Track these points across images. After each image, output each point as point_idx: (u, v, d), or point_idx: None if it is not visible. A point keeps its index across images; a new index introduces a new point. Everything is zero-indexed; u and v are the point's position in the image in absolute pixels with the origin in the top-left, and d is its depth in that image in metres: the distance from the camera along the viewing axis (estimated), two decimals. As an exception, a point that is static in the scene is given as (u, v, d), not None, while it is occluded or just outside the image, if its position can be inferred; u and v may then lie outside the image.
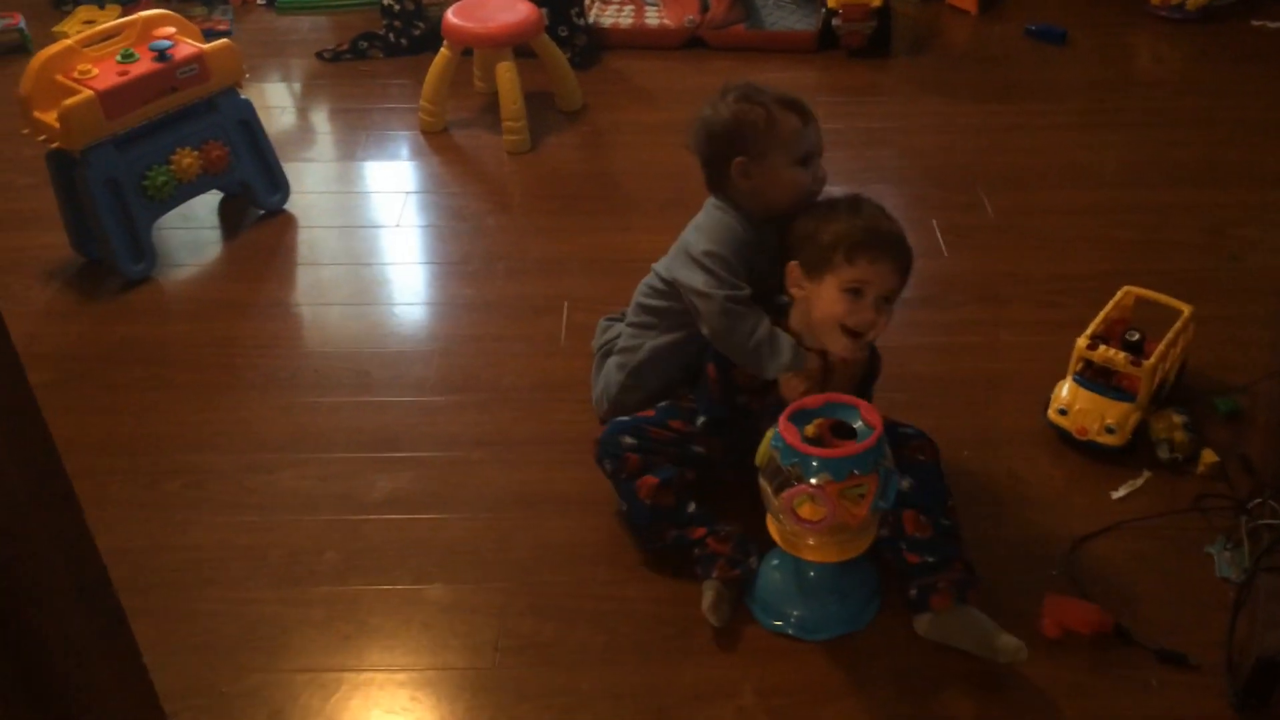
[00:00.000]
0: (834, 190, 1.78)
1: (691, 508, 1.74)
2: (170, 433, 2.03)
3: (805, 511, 1.52)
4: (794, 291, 1.70)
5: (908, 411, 1.93)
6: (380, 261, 2.49)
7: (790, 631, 1.66)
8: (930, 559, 1.65)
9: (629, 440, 1.74)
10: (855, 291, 1.63)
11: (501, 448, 1.98)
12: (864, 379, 1.76)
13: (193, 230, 2.58)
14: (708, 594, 1.67)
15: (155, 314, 2.33)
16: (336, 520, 1.85)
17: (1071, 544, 1.78)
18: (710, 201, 1.80)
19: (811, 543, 1.57)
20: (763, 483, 1.57)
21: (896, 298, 1.67)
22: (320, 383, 2.14)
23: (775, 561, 1.69)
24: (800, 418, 1.57)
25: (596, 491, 1.82)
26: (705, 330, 1.72)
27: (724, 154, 1.72)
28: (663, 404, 1.81)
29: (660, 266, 1.85)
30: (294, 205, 2.65)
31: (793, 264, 1.69)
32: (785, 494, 1.52)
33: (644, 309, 1.88)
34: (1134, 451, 1.92)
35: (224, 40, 2.43)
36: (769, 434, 1.57)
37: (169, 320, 2.32)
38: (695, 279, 1.71)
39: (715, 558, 1.69)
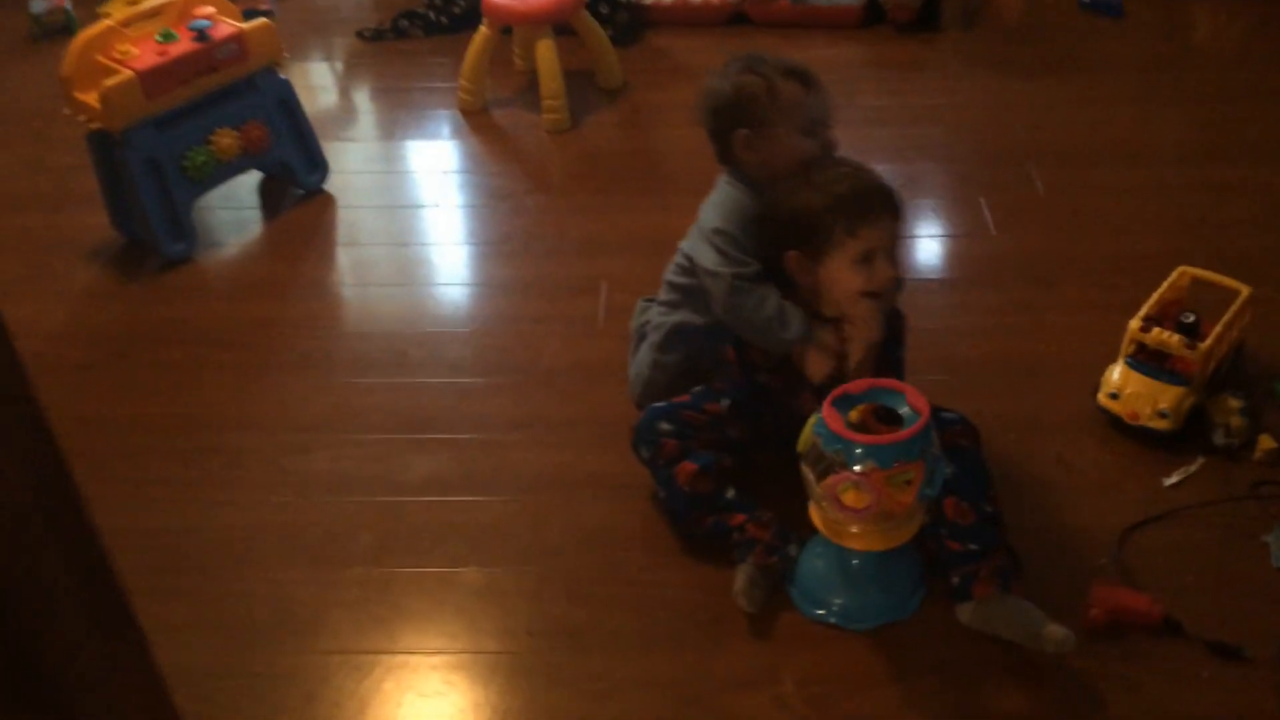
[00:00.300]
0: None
1: (730, 494, 1.71)
2: (209, 412, 2.04)
3: (849, 499, 1.48)
4: (801, 279, 1.67)
5: (952, 395, 1.88)
6: (418, 242, 2.48)
7: (833, 620, 1.62)
8: (973, 546, 1.60)
9: (665, 426, 1.71)
10: (866, 259, 1.61)
11: (538, 430, 1.96)
12: (886, 342, 1.71)
13: (233, 210, 2.58)
14: (740, 577, 1.64)
15: (195, 294, 2.34)
16: (371, 501, 1.84)
17: (1121, 533, 1.72)
18: (722, 177, 1.77)
19: (855, 530, 1.53)
20: (805, 469, 1.53)
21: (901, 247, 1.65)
22: (357, 363, 2.13)
23: (818, 549, 1.65)
24: (844, 402, 1.53)
25: (632, 475, 1.79)
26: (718, 309, 1.70)
27: (727, 127, 1.70)
28: (698, 388, 1.78)
29: (684, 244, 1.82)
30: (333, 185, 2.64)
31: (791, 255, 1.65)
32: (829, 480, 1.48)
33: (672, 287, 1.86)
34: (1188, 437, 1.86)
35: (263, 20, 2.42)
36: (812, 419, 1.53)
37: (209, 300, 2.32)
38: (707, 257, 1.69)
39: (754, 543, 1.66)
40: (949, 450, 1.64)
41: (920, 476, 1.48)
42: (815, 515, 1.58)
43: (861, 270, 1.62)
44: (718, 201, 1.74)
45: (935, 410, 1.69)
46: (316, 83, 3.13)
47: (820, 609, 1.63)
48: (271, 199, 2.62)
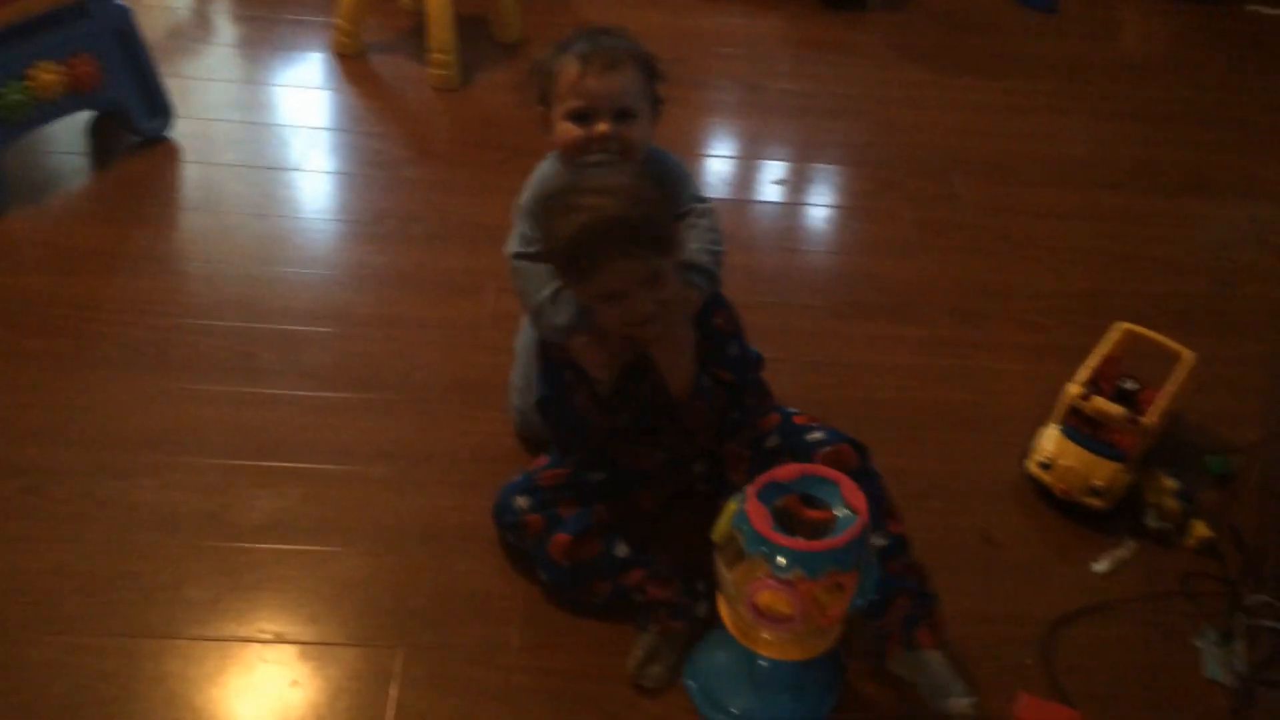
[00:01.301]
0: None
1: (621, 550, 1.51)
2: (9, 417, 1.70)
3: (770, 608, 1.28)
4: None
5: (869, 444, 1.70)
6: (277, 213, 2.15)
7: (733, 726, 1.43)
8: (872, 596, 1.43)
9: (521, 501, 1.52)
10: (611, 297, 1.39)
11: (406, 464, 1.70)
12: (712, 342, 1.51)
13: (55, 157, 2.19)
14: (638, 650, 1.45)
15: (1, 262, 1.96)
16: (202, 545, 1.56)
17: (1049, 626, 1.58)
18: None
19: (768, 637, 1.33)
20: (719, 563, 1.33)
21: (668, 266, 1.40)
22: (196, 364, 1.82)
23: (722, 642, 1.44)
24: (770, 492, 1.32)
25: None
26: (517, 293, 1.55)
27: (537, 103, 1.56)
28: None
29: None
30: (179, 133, 2.28)
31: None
32: (747, 586, 1.27)
33: None
34: (1119, 513, 1.72)
35: (99, -67, 2.03)
36: (730, 507, 1.32)
37: (18, 271, 1.96)
38: (510, 240, 1.54)
39: (654, 606, 1.47)
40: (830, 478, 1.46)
41: (853, 587, 1.29)
42: (724, 611, 1.38)
43: (610, 308, 1.41)
44: (536, 172, 1.59)
45: (798, 430, 1.54)
46: (162, 5, 2.71)
47: (719, 713, 1.43)
48: (104, 145, 2.24)
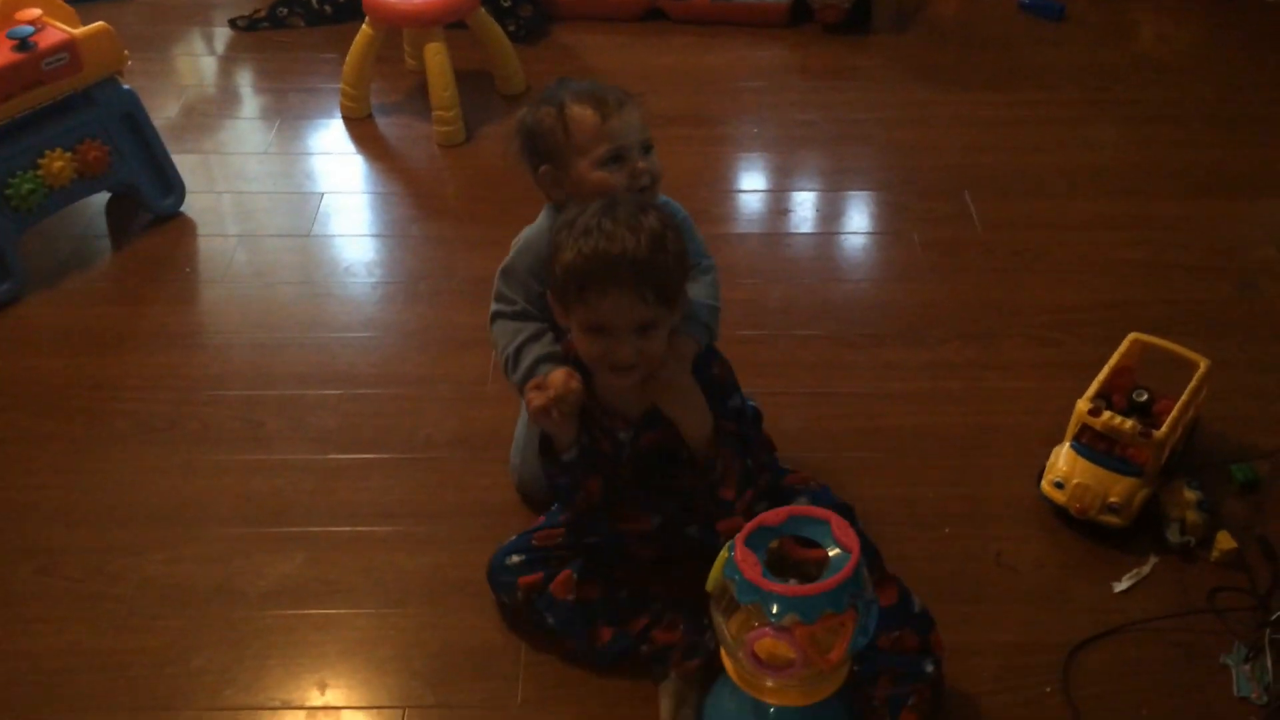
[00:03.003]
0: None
1: (623, 593, 1.50)
2: (25, 500, 1.74)
3: (768, 656, 1.26)
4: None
5: (878, 475, 1.68)
6: (286, 280, 2.19)
7: (745, 773, 1.40)
8: (855, 668, 1.39)
9: (515, 559, 1.52)
10: (597, 329, 1.38)
11: (410, 522, 1.71)
12: (713, 394, 1.47)
13: (71, 239, 2.26)
14: (665, 700, 1.43)
15: (18, 345, 2.02)
16: (211, 616, 1.58)
17: (1068, 652, 1.53)
18: (546, 206, 1.60)
19: (771, 685, 1.31)
20: (715, 615, 1.31)
21: (665, 322, 1.39)
22: (205, 435, 1.85)
23: (729, 690, 1.41)
24: (760, 537, 1.30)
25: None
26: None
27: (533, 163, 1.56)
28: (554, 506, 1.59)
29: None
30: (192, 207, 2.34)
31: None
32: (746, 637, 1.25)
33: None
34: (1140, 530, 1.67)
35: (100, 24, 2.09)
36: (721, 556, 1.30)
37: (34, 354, 2.01)
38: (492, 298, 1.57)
39: (667, 650, 1.45)
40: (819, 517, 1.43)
41: (851, 627, 1.26)
42: (727, 663, 1.35)
43: (593, 339, 1.39)
44: (525, 234, 1.59)
45: (790, 496, 1.53)
46: (175, 84, 2.79)
47: (730, 759, 1.41)
48: (119, 224, 2.31)
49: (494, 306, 1.55)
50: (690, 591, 1.48)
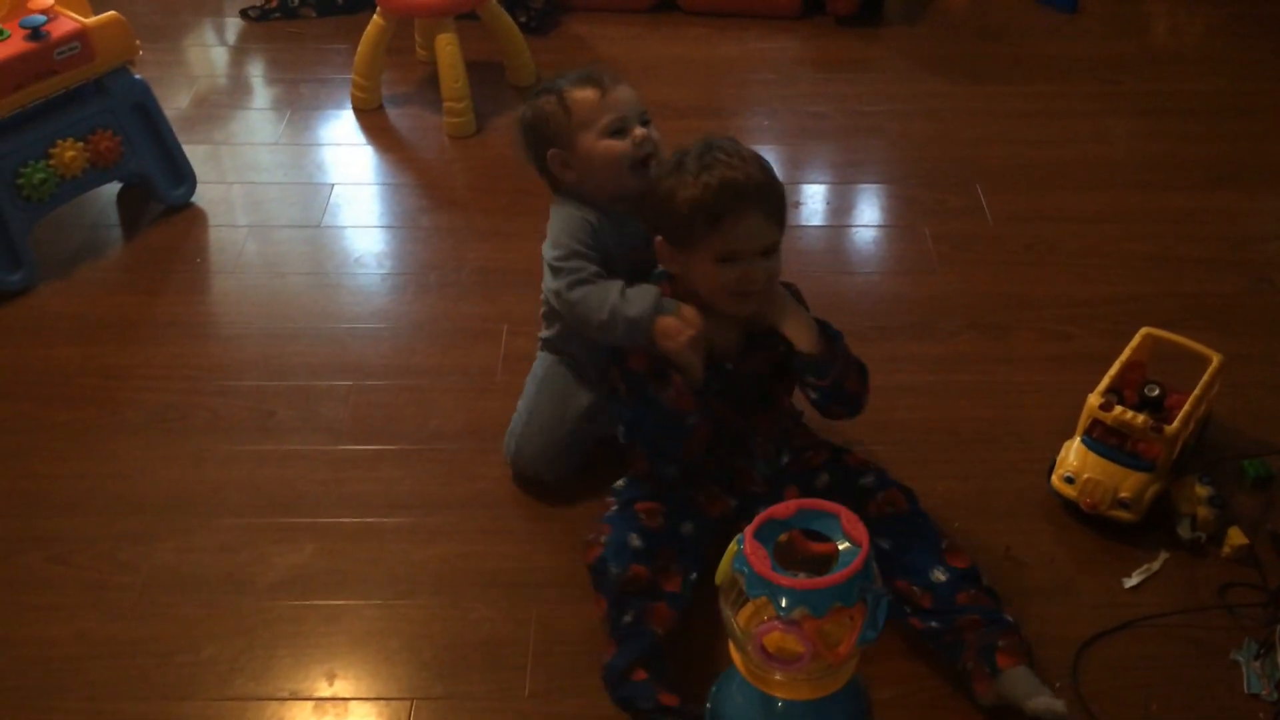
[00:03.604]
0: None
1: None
2: (37, 489, 1.75)
3: (777, 649, 1.25)
4: (670, 268, 1.56)
5: (888, 467, 1.67)
6: (297, 271, 2.19)
7: (755, 769, 1.40)
8: (935, 625, 1.45)
9: (638, 542, 1.50)
10: (730, 258, 1.47)
11: (420, 513, 1.71)
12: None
13: (83, 229, 2.26)
14: None
15: (30, 335, 2.03)
16: (221, 606, 1.58)
17: (1078, 648, 1.52)
18: (553, 202, 1.68)
19: (780, 679, 1.30)
20: (724, 607, 1.30)
21: (779, 247, 1.51)
22: (216, 425, 1.85)
23: (739, 685, 1.41)
24: (769, 530, 1.29)
25: (527, 572, 1.58)
26: (576, 326, 1.60)
27: (540, 153, 1.64)
28: (620, 483, 1.62)
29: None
30: (203, 198, 2.34)
31: (659, 240, 1.53)
32: (755, 630, 1.25)
33: (544, 342, 1.75)
34: (1150, 525, 1.66)
35: (112, 14, 2.09)
36: (730, 549, 1.30)
37: (46, 343, 2.01)
38: (551, 283, 1.60)
39: (666, 713, 1.39)
40: (878, 522, 1.47)
41: (861, 620, 1.26)
42: (736, 657, 1.35)
43: (724, 268, 1.47)
44: (551, 227, 1.64)
45: (849, 471, 1.58)
46: (186, 75, 2.79)
47: (739, 754, 1.40)
48: (131, 214, 2.31)
49: (566, 279, 1.57)
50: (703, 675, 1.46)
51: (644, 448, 1.59)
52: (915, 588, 1.48)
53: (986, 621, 1.44)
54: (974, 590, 1.48)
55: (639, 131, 1.59)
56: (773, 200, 1.47)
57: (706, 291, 1.51)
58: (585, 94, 1.60)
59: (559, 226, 1.62)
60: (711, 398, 1.55)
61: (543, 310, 1.72)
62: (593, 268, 1.58)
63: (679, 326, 1.49)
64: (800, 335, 1.52)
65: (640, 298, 1.52)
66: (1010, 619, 1.46)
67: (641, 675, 1.42)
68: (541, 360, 1.75)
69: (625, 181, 1.60)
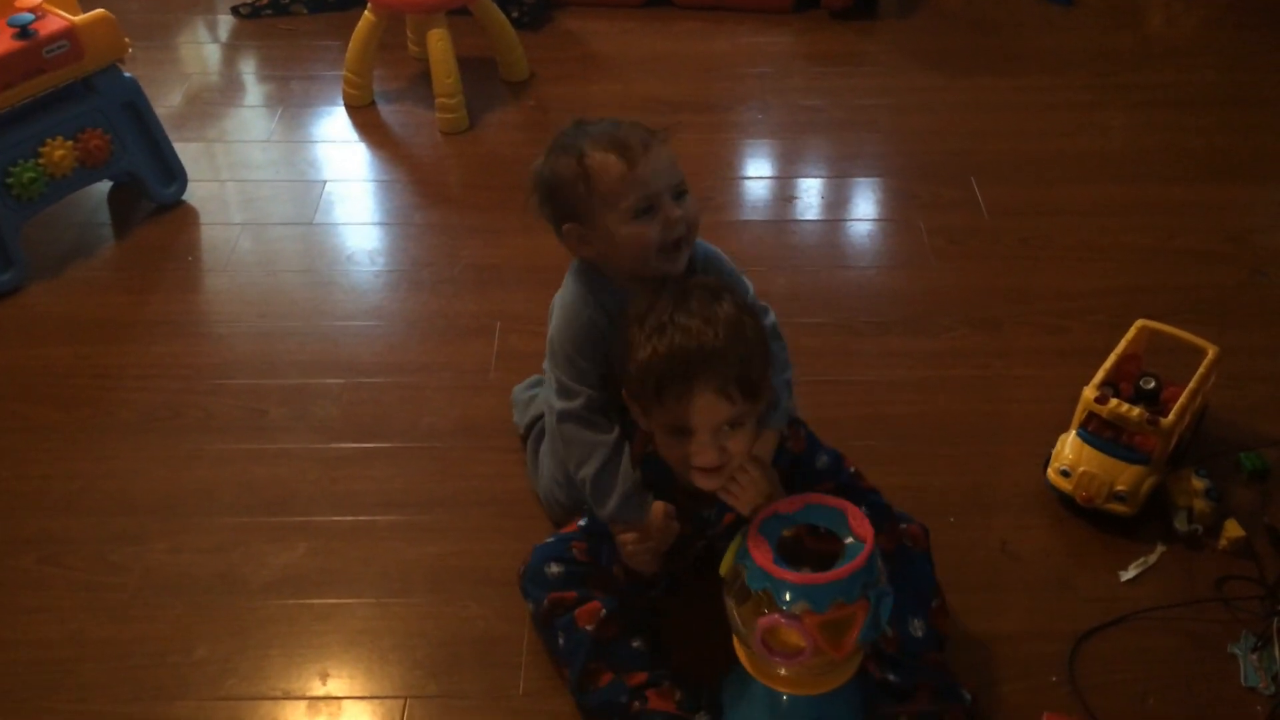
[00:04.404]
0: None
1: (636, 643, 1.42)
2: (28, 490, 1.74)
3: (779, 644, 1.25)
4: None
5: (882, 464, 1.67)
6: (289, 269, 2.18)
7: (757, 762, 1.39)
8: (893, 679, 1.38)
9: (555, 569, 1.46)
10: (680, 431, 1.30)
11: (413, 511, 1.70)
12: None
13: (74, 228, 2.25)
14: None
15: (21, 335, 2.02)
16: (214, 606, 1.57)
17: (1075, 642, 1.52)
18: (571, 265, 1.49)
19: (784, 673, 1.30)
20: (727, 600, 1.30)
21: (751, 417, 1.31)
22: (208, 424, 1.84)
23: (741, 678, 1.40)
24: (774, 524, 1.29)
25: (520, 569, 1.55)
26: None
27: (556, 219, 1.43)
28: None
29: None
30: (194, 196, 2.33)
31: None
32: (756, 623, 1.25)
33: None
34: (1147, 518, 1.66)
35: (100, 11, 2.08)
36: (735, 542, 1.30)
37: (37, 343, 2.00)
38: (548, 380, 1.45)
39: (653, 717, 1.36)
40: (891, 553, 1.42)
41: (863, 617, 1.25)
42: (740, 650, 1.35)
43: (676, 441, 1.31)
44: (560, 305, 1.47)
45: (884, 508, 1.49)
46: (181, 70, 2.78)
47: (741, 750, 1.40)
48: (121, 213, 2.30)
49: (559, 404, 1.43)
50: (702, 669, 1.44)
51: (600, 546, 1.48)
52: (888, 628, 1.36)
53: (940, 691, 1.37)
54: (941, 657, 1.42)
55: (673, 213, 1.36)
56: (730, 373, 1.25)
57: (670, 461, 1.36)
58: (610, 163, 1.35)
59: (564, 327, 1.44)
60: (682, 541, 1.44)
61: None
62: (583, 393, 1.41)
63: (634, 543, 1.38)
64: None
65: (614, 493, 1.39)
66: (969, 696, 1.39)
67: (606, 677, 1.39)
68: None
69: (651, 266, 1.39)
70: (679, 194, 1.38)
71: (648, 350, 1.27)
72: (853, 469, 1.52)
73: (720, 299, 1.30)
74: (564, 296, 1.47)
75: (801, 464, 1.46)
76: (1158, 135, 2.50)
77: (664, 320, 1.27)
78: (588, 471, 1.40)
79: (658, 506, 1.38)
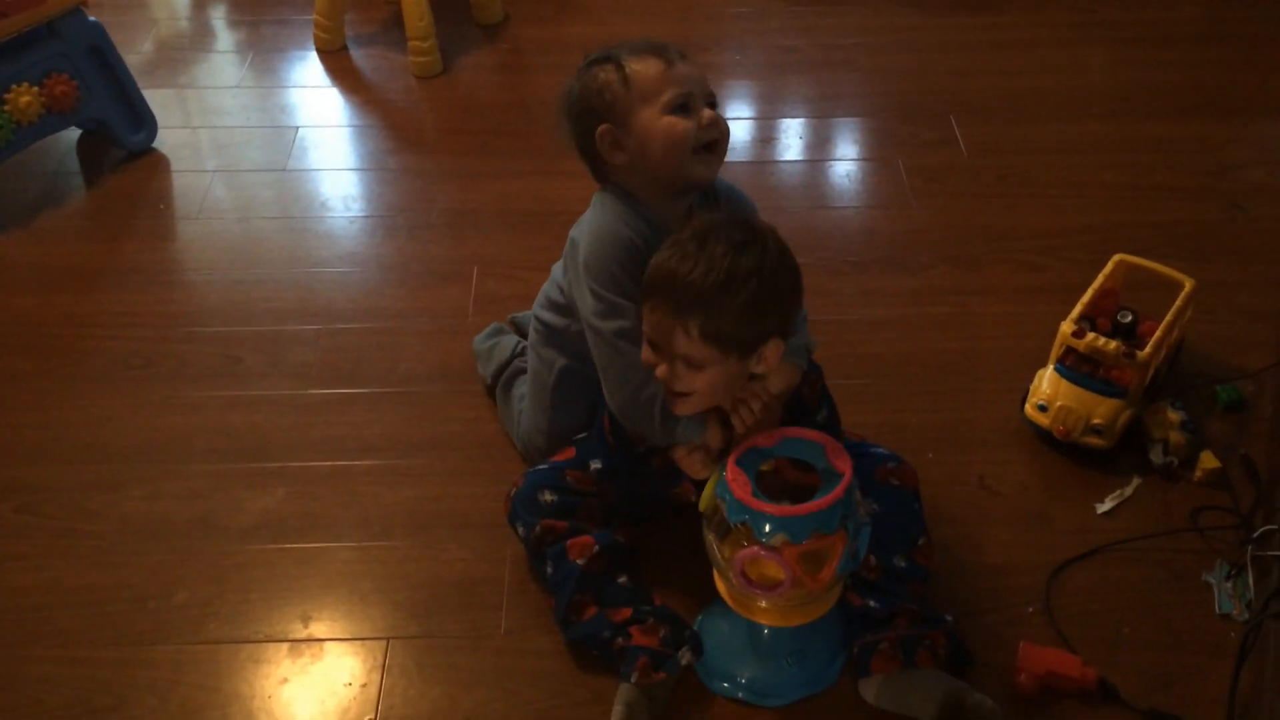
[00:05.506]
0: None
1: (622, 579, 1.44)
2: (2, 440, 1.73)
3: (757, 575, 1.26)
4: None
5: (862, 401, 1.67)
6: (263, 215, 2.15)
7: (741, 696, 1.40)
8: (874, 604, 1.39)
9: (549, 496, 1.46)
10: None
11: (392, 455, 1.69)
12: (798, 412, 1.43)
13: (43, 177, 2.22)
14: (618, 705, 1.34)
15: (-9, 285, 2.00)
16: (192, 551, 1.57)
17: (1050, 573, 1.53)
18: (596, 195, 1.48)
19: (764, 605, 1.31)
20: (707, 533, 1.30)
21: (716, 364, 1.31)
22: (183, 371, 1.83)
23: (723, 614, 1.41)
24: (752, 458, 1.29)
25: (499, 512, 1.55)
26: (593, 362, 1.43)
27: (589, 131, 1.43)
28: (582, 435, 1.53)
29: (557, 270, 1.54)
30: (165, 144, 2.30)
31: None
32: (735, 556, 1.25)
33: (545, 328, 1.57)
34: (1122, 452, 1.67)
35: (62, -48, 2.04)
36: (714, 477, 1.30)
37: (8, 292, 1.98)
38: (584, 302, 1.41)
39: (637, 653, 1.37)
40: (877, 487, 1.44)
41: (841, 548, 1.26)
42: (720, 584, 1.35)
43: (651, 354, 1.34)
44: (592, 227, 1.43)
45: (868, 447, 1.50)
46: (150, 15, 2.73)
47: (725, 682, 1.41)
48: (91, 161, 2.26)
49: (609, 324, 1.39)
50: (687, 608, 1.46)
51: (613, 487, 1.50)
52: (871, 557, 1.39)
53: (922, 618, 1.39)
54: (923, 588, 1.44)
55: (707, 113, 1.40)
56: (696, 312, 1.26)
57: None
58: (648, 65, 1.40)
59: (597, 244, 1.41)
60: None
61: (553, 299, 1.56)
62: (630, 309, 1.38)
63: (696, 459, 1.39)
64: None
65: (669, 414, 1.38)
66: (949, 618, 1.40)
67: (591, 610, 1.41)
68: (544, 360, 1.58)
69: (685, 168, 1.40)
70: (711, 104, 1.43)
71: (657, 256, 1.31)
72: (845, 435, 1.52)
73: (746, 250, 1.29)
74: (598, 220, 1.44)
75: (805, 419, 1.43)
76: (1136, 72, 2.49)
77: (682, 238, 1.30)
78: (654, 390, 1.37)
79: (715, 429, 1.38)
